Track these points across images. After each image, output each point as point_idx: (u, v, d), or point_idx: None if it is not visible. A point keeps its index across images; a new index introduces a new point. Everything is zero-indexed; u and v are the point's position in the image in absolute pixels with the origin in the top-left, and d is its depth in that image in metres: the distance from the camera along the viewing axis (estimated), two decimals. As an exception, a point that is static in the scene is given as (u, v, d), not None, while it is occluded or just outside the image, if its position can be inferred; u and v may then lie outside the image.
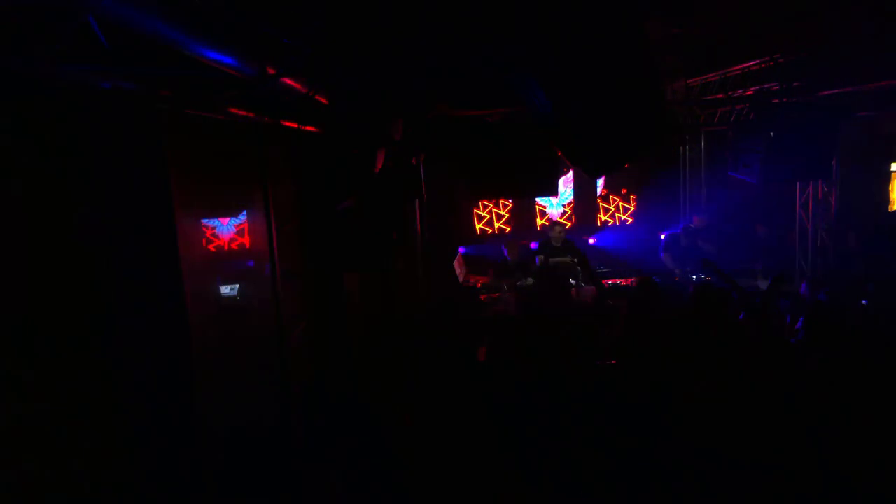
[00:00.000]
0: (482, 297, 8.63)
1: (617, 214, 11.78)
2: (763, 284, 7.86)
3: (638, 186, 11.62)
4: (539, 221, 11.48)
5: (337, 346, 6.20)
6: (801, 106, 6.16)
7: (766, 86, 6.28)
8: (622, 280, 9.02)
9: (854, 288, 6.10)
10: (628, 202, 11.78)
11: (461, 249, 10.29)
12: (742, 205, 9.52)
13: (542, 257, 8.62)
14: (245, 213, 7.69)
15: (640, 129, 1.94)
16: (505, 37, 1.73)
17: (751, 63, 6.36)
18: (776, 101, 6.25)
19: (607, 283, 8.63)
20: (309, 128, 5.16)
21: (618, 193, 11.72)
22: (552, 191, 7.92)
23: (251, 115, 4.28)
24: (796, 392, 4.14)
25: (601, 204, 11.74)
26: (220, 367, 4.25)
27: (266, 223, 5.24)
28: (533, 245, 9.44)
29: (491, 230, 11.36)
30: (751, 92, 6.53)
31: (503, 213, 11.46)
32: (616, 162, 2.47)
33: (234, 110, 4.05)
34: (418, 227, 9.68)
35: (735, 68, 6.69)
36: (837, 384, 4.12)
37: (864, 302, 6.07)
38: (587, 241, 11.32)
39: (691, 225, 9.39)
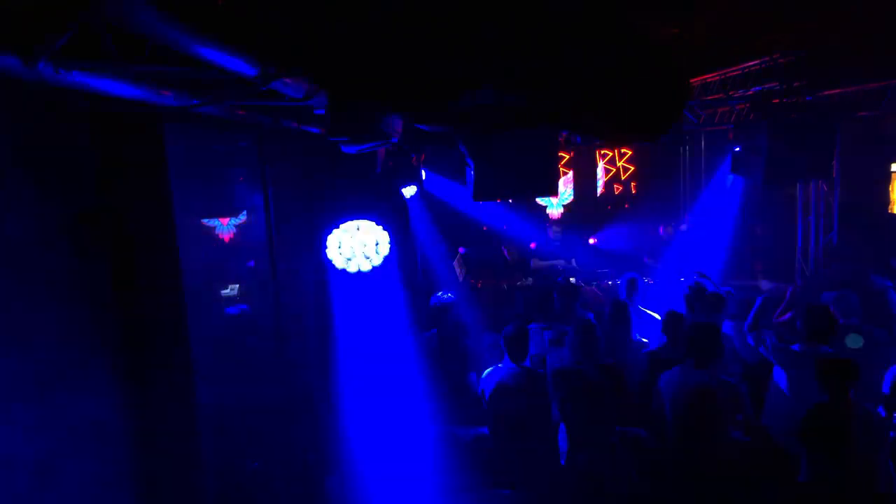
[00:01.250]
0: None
1: (616, 214, 11.77)
2: (764, 285, 7.85)
3: (638, 186, 11.62)
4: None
5: (337, 346, 6.18)
6: (801, 106, 6.15)
7: (766, 86, 6.27)
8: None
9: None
10: (628, 201, 11.79)
11: (461, 249, 10.28)
12: (741, 204, 9.52)
13: (535, 259, 8.66)
14: (245, 213, 7.70)
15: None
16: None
17: (751, 63, 6.35)
18: (776, 101, 6.24)
19: (604, 284, 8.64)
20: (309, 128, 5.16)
21: (617, 193, 11.72)
22: (552, 191, 7.89)
23: (251, 115, 4.28)
24: None
25: (600, 203, 11.75)
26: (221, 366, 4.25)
27: (266, 223, 5.24)
28: (533, 245, 9.44)
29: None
30: (751, 92, 6.52)
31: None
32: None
33: (234, 110, 4.05)
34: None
35: (735, 68, 6.67)
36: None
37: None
38: (588, 241, 11.31)
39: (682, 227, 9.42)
